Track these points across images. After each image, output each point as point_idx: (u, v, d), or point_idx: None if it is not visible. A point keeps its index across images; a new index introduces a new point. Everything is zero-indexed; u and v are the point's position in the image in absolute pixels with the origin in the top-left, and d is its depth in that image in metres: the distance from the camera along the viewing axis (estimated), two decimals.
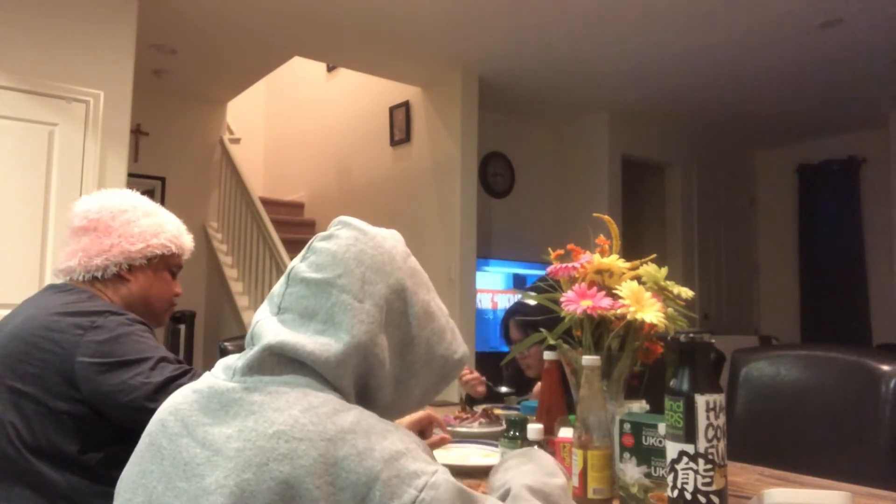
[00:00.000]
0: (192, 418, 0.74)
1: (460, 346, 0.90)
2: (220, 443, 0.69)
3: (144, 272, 1.37)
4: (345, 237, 0.82)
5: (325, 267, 0.79)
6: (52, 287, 1.35)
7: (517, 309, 2.21)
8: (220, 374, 0.77)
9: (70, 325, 1.19)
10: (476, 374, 2.24)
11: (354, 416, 0.70)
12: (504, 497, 0.81)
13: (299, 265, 0.81)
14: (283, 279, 0.82)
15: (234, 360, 0.78)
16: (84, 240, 1.33)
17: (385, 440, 0.69)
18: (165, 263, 1.40)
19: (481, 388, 2.23)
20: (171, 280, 1.43)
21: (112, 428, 1.19)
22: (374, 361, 0.78)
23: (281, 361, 0.74)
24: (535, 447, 0.91)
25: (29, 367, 1.18)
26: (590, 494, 1.06)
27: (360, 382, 0.78)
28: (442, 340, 0.87)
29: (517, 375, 2.31)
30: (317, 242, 0.83)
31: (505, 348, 2.42)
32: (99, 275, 1.32)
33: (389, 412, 0.81)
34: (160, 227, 1.38)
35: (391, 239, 0.86)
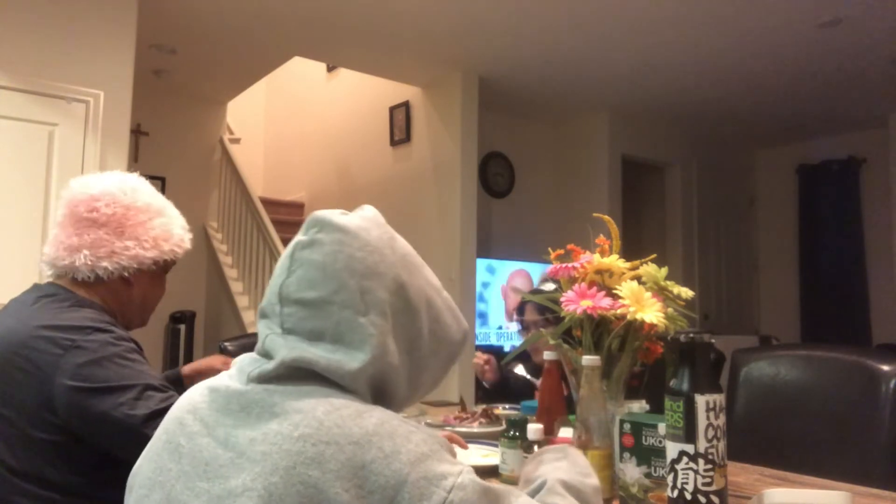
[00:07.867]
0: (212, 418, 0.74)
1: (461, 324, 0.88)
2: (244, 445, 0.69)
3: (148, 276, 1.31)
4: (328, 243, 0.77)
5: (316, 283, 0.75)
6: (36, 289, 1.26)
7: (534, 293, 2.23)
8: (237, 376, 0.77)
9: (49, 344, 1.11)
10: (485, 358, 2.22)
11: (378, 417, 0.71)
12: (539, 489, 0.83)
13: (287, 281, 0.76)
14: (274, 295, 0.77)
15: (248, 365, 0.76)
16: (90, 235, 1.23)
17: (410, 442, 0.69)
18: (166, 267, 1.35)
19: (489, 376, 2.22)
20: (164, 280, 1.39)
21: (96, 453, 1.12)
22: (387, 368, 0.78)
23: (298, 373, 0.74)
24: (571, 445, 0.93)
25: (8, 388, 1.12)
26: None
27: (376, 387, 0.78)
28: (444, 326, 0.85)
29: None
30: (299, 252, 0.78)
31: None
32: (104, 277, 1.24)
33: (404, 405, 0.84)
34: (170, 232, 1.32)
35: (372, 226, 0.82)
